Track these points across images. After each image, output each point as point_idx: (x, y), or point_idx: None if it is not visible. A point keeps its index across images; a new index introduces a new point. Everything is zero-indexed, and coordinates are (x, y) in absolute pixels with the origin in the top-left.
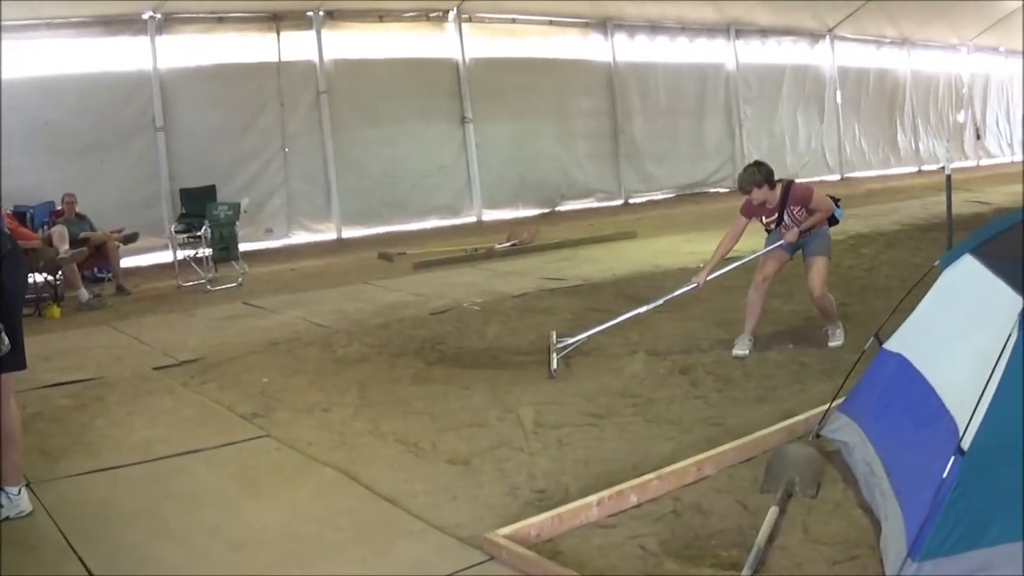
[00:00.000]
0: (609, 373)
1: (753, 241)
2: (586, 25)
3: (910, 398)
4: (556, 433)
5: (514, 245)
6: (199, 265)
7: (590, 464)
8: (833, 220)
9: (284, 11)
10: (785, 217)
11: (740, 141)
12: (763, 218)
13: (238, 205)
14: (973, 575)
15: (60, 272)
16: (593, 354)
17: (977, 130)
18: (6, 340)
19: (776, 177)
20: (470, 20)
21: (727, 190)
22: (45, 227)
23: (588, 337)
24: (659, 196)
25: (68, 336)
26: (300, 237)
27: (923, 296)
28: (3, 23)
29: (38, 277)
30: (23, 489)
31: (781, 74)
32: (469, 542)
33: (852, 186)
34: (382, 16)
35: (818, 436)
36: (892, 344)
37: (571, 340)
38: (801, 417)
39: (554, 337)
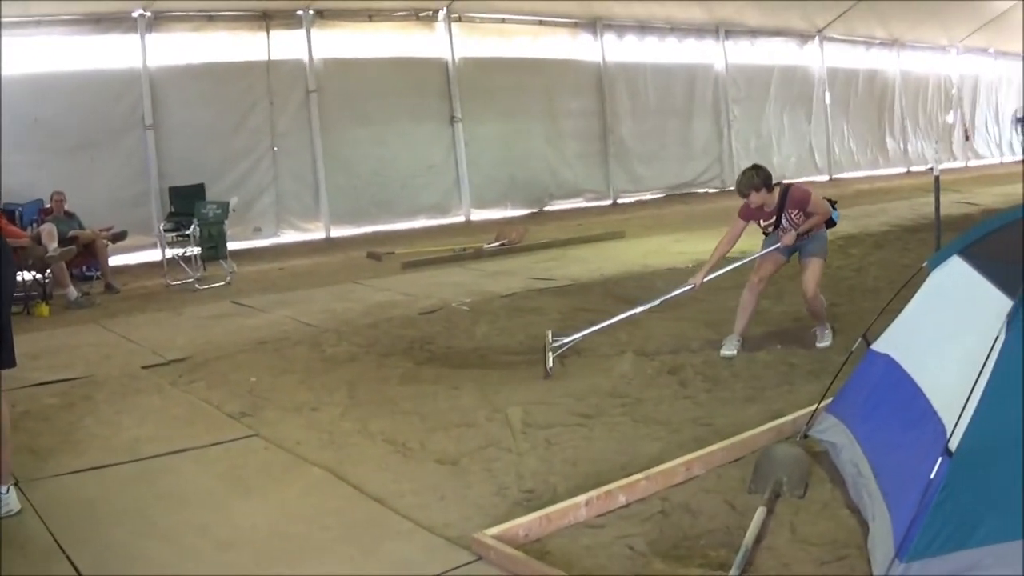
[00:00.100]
0: (598, 373)
1: (750, 241)
2: (575, 25)
3: (898, 399)
4: (545, 433)
5: (503, 245)
6: (188, 264)
7: (578, 464)
8: (830, 222)
9: (274, 10)
10: (783, 220)
11: (728, 141)
12: (761, 221)
13: (227, 204)
14: (960, 575)
15: (49, 270)
16: (582, 354)
17: (966, 131)
18: None
19: (773, 180)
20: (460, 20)
21: (716, 190)
22: (34, 225)
23: (583, 337)
24: (648, 196)
25: (56, 334)
26: (289, 236)
27: (911, 297)
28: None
29: (27, 275)
30: (11, 488)
31: (770, 75)
32: (457, 542)
33: (840, 187)
34: (372, 15)
35: (806, 437)
36: (880, 345)
37: (566, 340)
38: (789, 418)
39: (550, 337)
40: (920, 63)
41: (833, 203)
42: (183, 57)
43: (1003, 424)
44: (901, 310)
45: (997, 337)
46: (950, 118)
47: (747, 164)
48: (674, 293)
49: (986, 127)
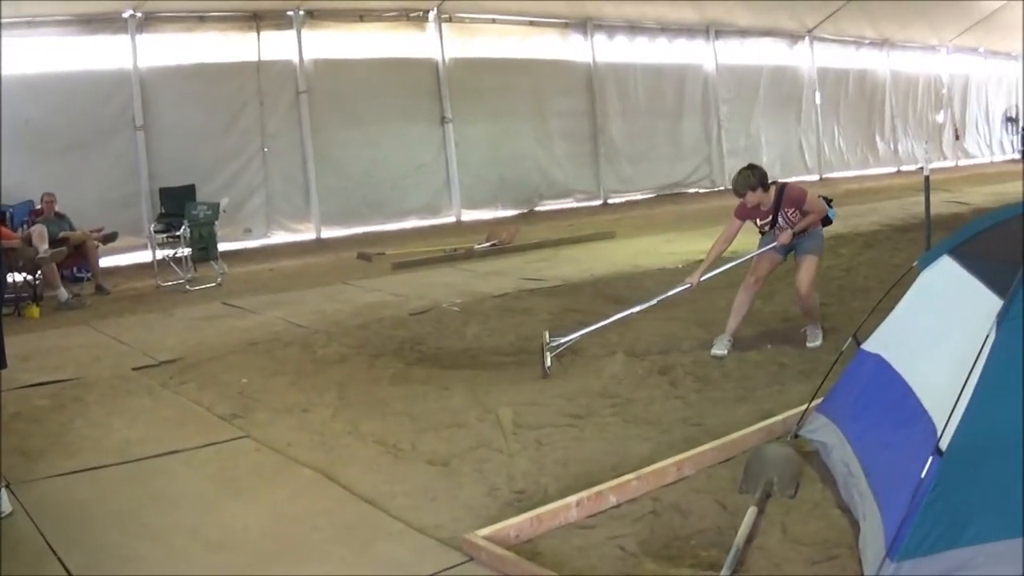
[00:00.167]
0: (589, 374)
1: (746, 241)
2: (566, 25)
3: (888, 399)
4: (535, 434)
5: (493, 245)
6: (178, 265)
7: (569, 465)
8: (827, 220)
9: (264, 10)
10: (779, 219)
11: (719, 141)
12: (757, 220)
13: (217, 205)
14: (951, 575)
15: (39, 272)
16: (573, 355)
17: (956, 131)
18: None
19: (769, 179)
20: (450, 20)
21: (706, 190)
22: (24, 226)
23: (581, 336)
24: (638, 196)
25: (47, 336)
26: (279, 237)
27: (901, 297)
28: None
29: (17, 276)
30: (3, 490)
31: (760, 75)
32: (448, 543)
33: (830, 186)
34: (362, 16)
35: (796, 436)
36: (870, 345)
37: (564, 340)
38: (780, 417)
39: (547, 337)
40: (910, 63)
41: (829, 201)
42: (173, 58)
43: (994, 423)
44: (891, 310)
45: (987, 336)
46: (940, 117)
47: (737, 164)
48: (671, 292)
49: (976, 127)
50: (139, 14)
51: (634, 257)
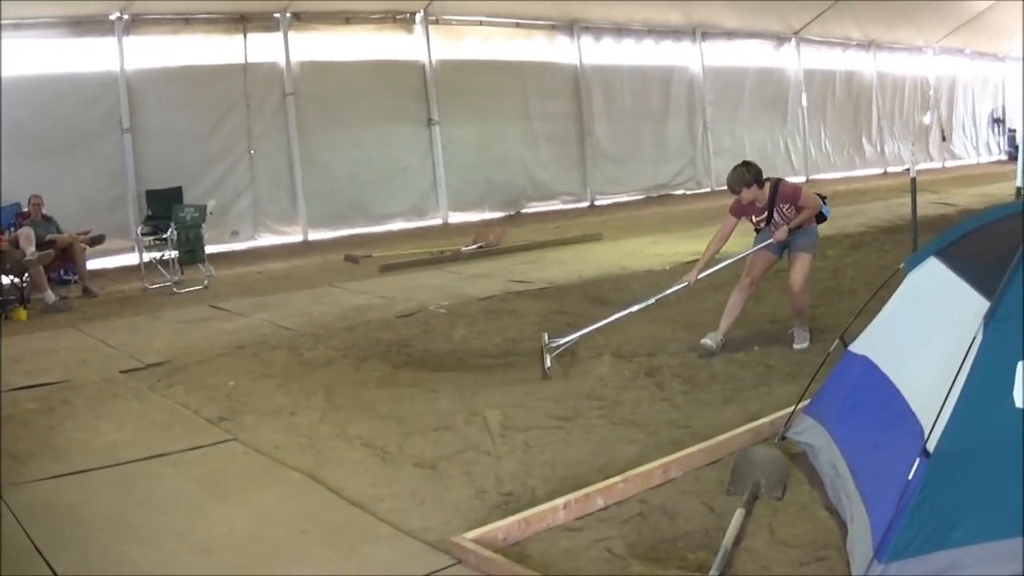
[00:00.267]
0: (575, 376)
1: (742, 242)
2: (553, 27)
3: (875, 400)
4: (523, 436)
5: (480, 247)
6: (165, 267)
7: (557, 467)
8: (821, 217)
9: (251, 12)
10: (775, 215)
11: (705, 143)
12: (752, 217)
13: (204, 207)
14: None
15: (26, 274)
16: (560, 356)
17: (942, 132)
18: None
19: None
20: (437, 22)
21: (692, 192)
22: (11, 229)
23: (580, 337)
24: (625, 198)
25: (35, 339)
26: (266, 239)
27: (888, 298)
28: None
29: (4, 279)
30: None
31: (747, 76)
32: (436, 546)
33: (817, 188)
34: (349, 18)
35: (784, 438)
36: (857, 346)
37: (562, 340)
38: (767, 419)
39: (546, 338)
40: (897, 64)
41: (823, 198)
42: (160, 60)
43: (980, 425)
44: (878, 311)
45: (974, 338)
46: (927, 119)
47: (723, 166)
48: (669, 291)
49: (963, 128)
50: (126, 16)
51: (621, 259)
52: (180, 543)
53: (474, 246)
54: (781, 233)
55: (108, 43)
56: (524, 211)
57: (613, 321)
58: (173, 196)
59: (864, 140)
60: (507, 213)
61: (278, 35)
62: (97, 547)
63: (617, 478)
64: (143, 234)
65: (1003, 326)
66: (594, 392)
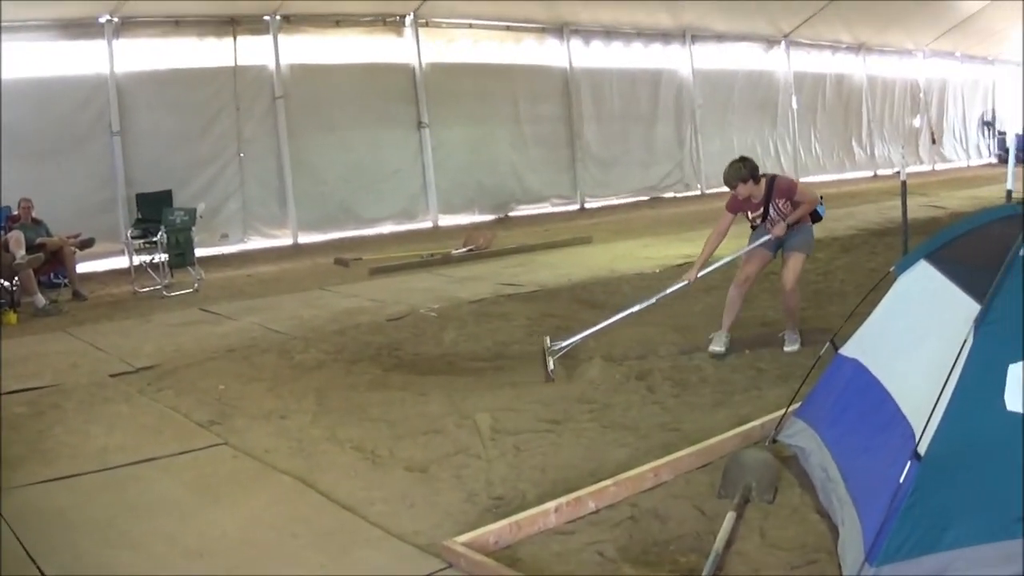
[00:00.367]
0: (566, 379)
1: (738, 244)
2: (542, 30)
3: (866, 403)
4: (513, 439)
5: (471, 250)
6: (155, 271)
7: (547, 470)
8: (817, 216)
9: (240, 15)
10: (771, 211)
11: (695, 146)
12: (748, 213)
13: (194, 210)
14: None
15: (16, 278)
16: (542, 360)
17: (932, 135)
18: None
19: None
20: (427, 25)
21: (682, 195)
22: (1, 232)
23: (581, 339)
24: (615, 201)
25: (24, 342)
26: (256, 242)
27: (879, 301)
28: None
29: None
30: None
31: (737, 79)
32: (427, 550)
33: None
34: (339, 21)
35: (774, 441)
36: (848, 349)
37: (564, 343)
38: (758, 422)
39: (547, 341)
40: (887, 67)
41: (819, 199)
42: (150, 63)
43: (972, 428)
44: (869, 314)
45: (965, 341)
46: (917, 122)
47: (712, 168)
48: (669, 291)
49: (953, 131)
50: (116, 19)
51: (611, 262)
52: (171, 547)
53: (464, 249)
54: (779, 229)
55: (98, 46)
56: (514, 214)
57: (614, 322)
58: (163, 199)
59: (854, 143)
60: (497, 216)
61: (268, 38)
62: (87, 552)
63: (608, 481)
64: (133, 237)
65: (993, 329)
66: (585, 395)
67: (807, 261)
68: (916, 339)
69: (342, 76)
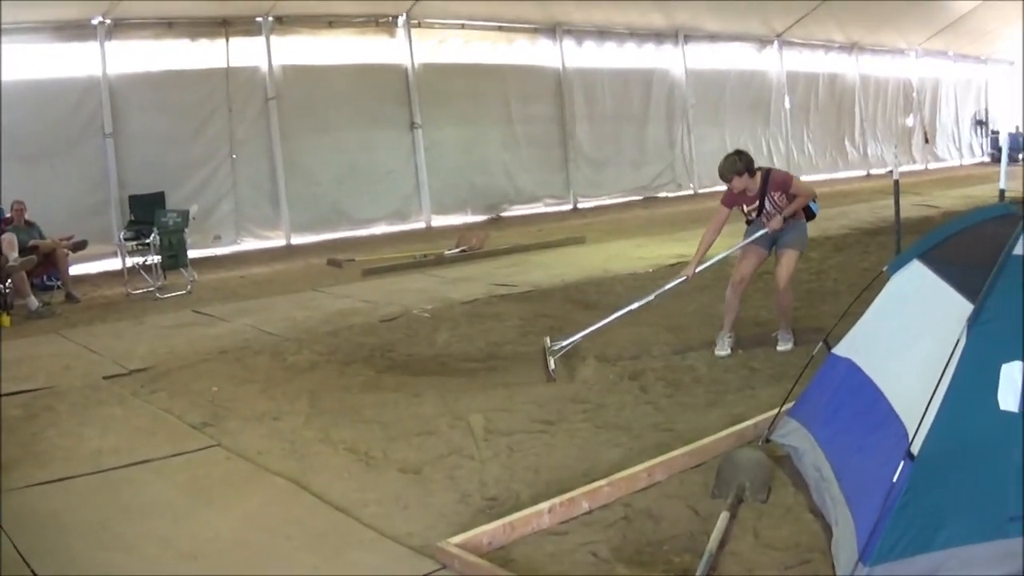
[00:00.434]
0: (559, 379)
1: (732, 243)
2: (535, 31)
3: (859, 403)
4: (506, 440)
5: (463, 251)
6: (148, 272)
7: (541, 471)
8: (810, 213)
9: (233, 16)
10: (766, 204)
11: (688, 146)
12: (744, 206)
13: (187, 212)
14: None
15: (9, 280)
16: (543, 360)
17: (925, 134)
18: None
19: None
20: (419, 26)
21: (675, 194)
22: None
23: (581, 339)
24: (608, 201)
25: (18, 345)
26: (249, 244)
27: (872, 301)
28: None
29: None
30: None
31: (730, 79)
32: (421, 551)
33: None
34: (331, 22)
35: (768, 441)
36: (841, 349)
37: (565, 342)
38: (751, 422)
39: (548, 341)
40: (880, 67)
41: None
42: (142, 65)
43: (965, 427)
44: (862, 314)
45: (958, 341)
46: (910, 121)
47: (705, 168)
48: (667, 287)
49: (946, 130)
50: (108, 21)
51: (605, 262)
52: (164, 549)
53: (457, 250)
54: (776, 222)
55: (90, 48)
56: (507, 214)
57: (613, 320)
58: (156, 201)
59: (847, 142)
60: (490, 216)
61: (260, 39)
62: (81, 554)
63: (602, 482)
64: (126, 239)
65: (987, 329)
66: (578, 395)
67: (800, 259)
68: (909, 339)
69: (335, 77)
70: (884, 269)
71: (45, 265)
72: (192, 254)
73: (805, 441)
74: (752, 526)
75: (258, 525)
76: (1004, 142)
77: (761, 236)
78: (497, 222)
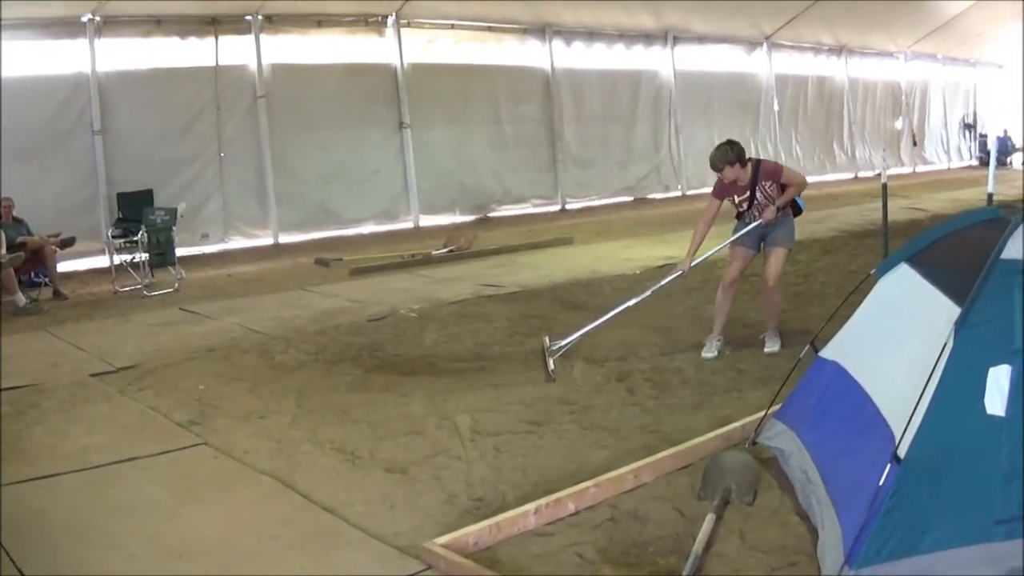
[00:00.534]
0: (556, 379)
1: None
2: (524, 31)
3: (846, 406)
4: (493, 441)
5: (451, 251)
6: (136, 270)
7: (527, 472)
8: (797, 209)
9: (222, 15)
10: (757, 194)
11: (677, 147)
12: (735, 197)
13: (175, 210)
14: None
15: None
16: (530, 361)
17: (914, 137)
18: None
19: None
20: (409, 25)
21: (663, 196)
22: None
23: (580, 337)
24: (596, 202)
25: (5, 342)
26: (237, 242)
27: (859, 304)
28: None
29: None
30: None
31: (718, 81)
32: (407, 551)
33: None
34: (320, 21)
35: (754, 443)
36: (828, 352)
37: (563, 341)
38: (737, 424)
39: (547, 341)
40: (868, 69)
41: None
42: (131, 62)
43: (951, 431)
44: (849, 317)
45: (945, 344)
46: (898, 124)
47: (693, 170)
48: (663, 282)
49: (934, 133)
50: (97, 18)
51: (593, 263)
52: (151, 548)
53: (445, 250)
54: (769, 212)
55: (79, 45)
56: (495, 214)
57: (612, 317)
58: (144, 199)
59: (835, 145)
60: (478, 216)
61: (249, 38)
62: (67, 552)
63: (588, 483)
64: (114, 237)
65: (974, 332)
66: (565, 397)
67: (788, 256)
68: (896, 342)
69: (324, 76)
70: (872, 272)
71: (33, 262)
72: (180, 252)
73: (792, 443)
74: (738, 528)
75: (245, 524)
76: (992, 145)
77: (749, 234)
78: (485, 222)
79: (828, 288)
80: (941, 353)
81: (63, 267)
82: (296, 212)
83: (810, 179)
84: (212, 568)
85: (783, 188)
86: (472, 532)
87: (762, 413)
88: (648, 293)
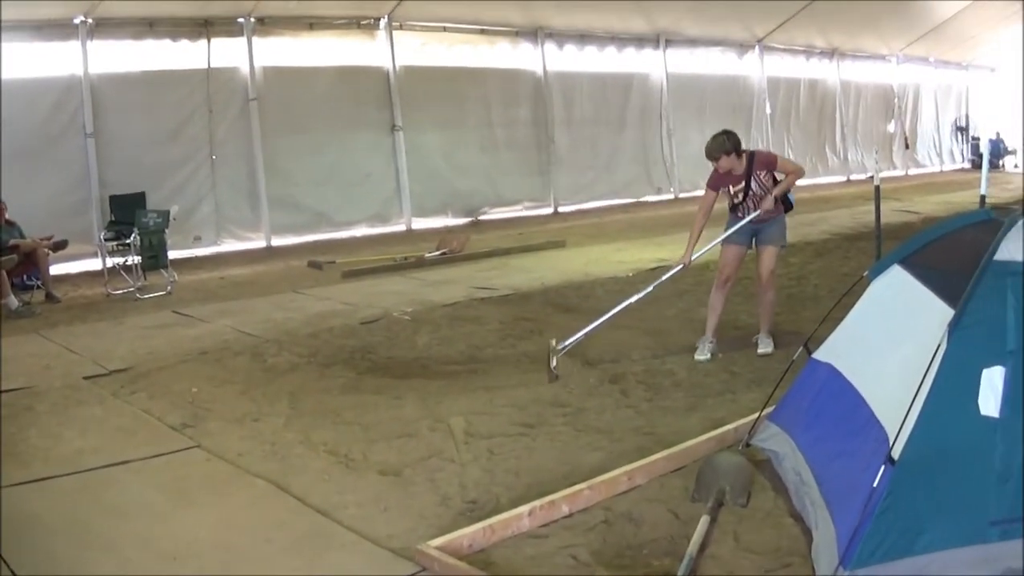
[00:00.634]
0: (540, 382)
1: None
2: (517, 34)
3: (840, 408)
4: (487, 443)
5: (444, 254)
6: (128, 273)
7: (521, 474)
8: (788, 205)
9: (215, 17)
10: (752, 184)
11: (669, 150)
12: (730, 187)
13: (167, 213)
14: None
15: None
16: (523, 363)
17: (906, 140)
18: None
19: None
20: (401, 28)
21: (655, 199)
22: None
23: (584, 336)
24: (589, 205)
25: None
26: (229, 245)
27: (852, 306)
28: None
29: None
30: None
31: (710, 84)
32: (401, 553)
33: None
34: (313, 24)
35: (748, 445)
36: (821, 354)
37: (568, 340)
38: (731, 426)
39: (553, 343)
40: (860, 72)
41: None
42: (124, 64)
43: (945, 432)
44: (842, 319)
45: (939, 346)
46: (890, 127)
47: (687, 173)
48: (666, 276)
49: (926, 136)
50: (90, 20)
51: (585, 266)
52: (144, 551)
53: (437, 252)
54: (767, 203)
55: (72, 47)
56: (488, 217)
57: (614, 315)
58: (136, 201)
59: (827, 148)
60: (470, 219)
61: (242, 40)
62: (60, 555)
63: (582, 485)
64: (106, 239)
65: (967, 334)
66: (558, 399)
67: (781, 257)
68: (890, 344)
69: (316, 79)
70: (865, 274)
71: (25, 264)
72: (172, 255)
73: (785, 445)
74: (732, 530)
75: (238, 527)
76: (984, 148)
77: (741, 230)
78: (477, 225)
79: (821, 290)
80: (934, 355)
81: (55, 270)
82: (288, 215)
83: (802, 182)
84: (206, 571)
85: (777, 178)
86: (466, 534)
87: (756, 415)
88: (651, 288)
